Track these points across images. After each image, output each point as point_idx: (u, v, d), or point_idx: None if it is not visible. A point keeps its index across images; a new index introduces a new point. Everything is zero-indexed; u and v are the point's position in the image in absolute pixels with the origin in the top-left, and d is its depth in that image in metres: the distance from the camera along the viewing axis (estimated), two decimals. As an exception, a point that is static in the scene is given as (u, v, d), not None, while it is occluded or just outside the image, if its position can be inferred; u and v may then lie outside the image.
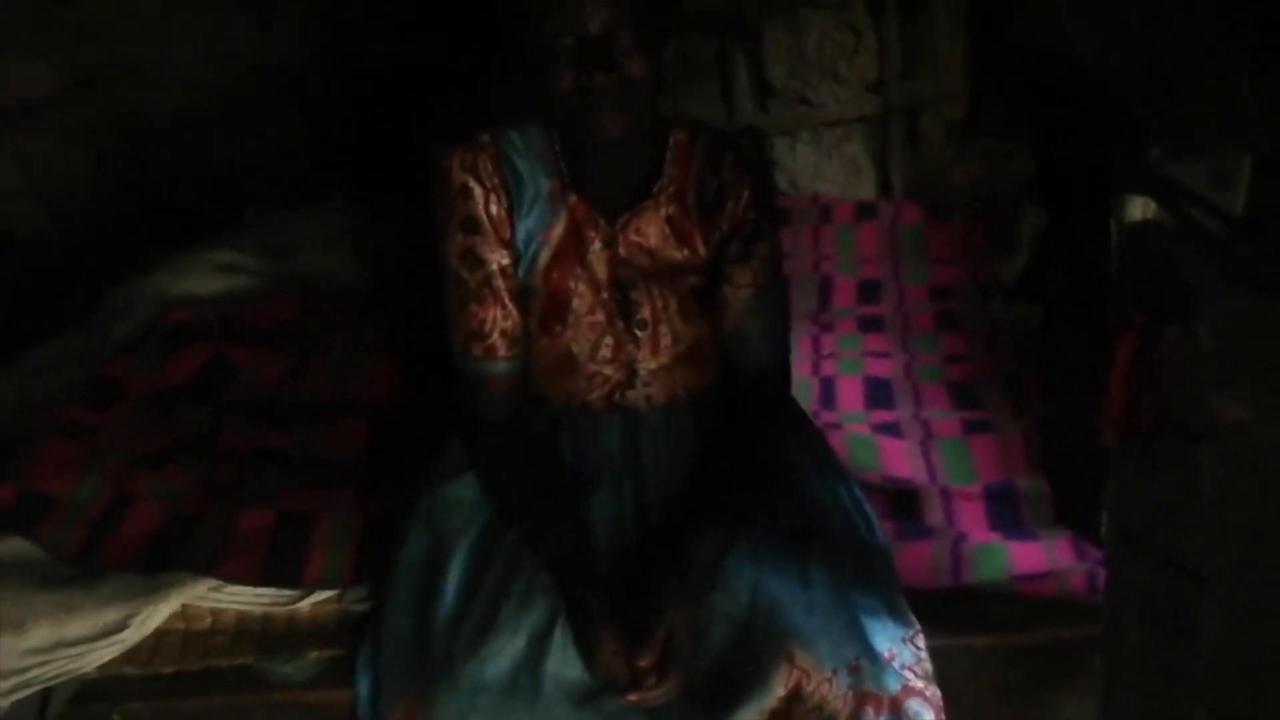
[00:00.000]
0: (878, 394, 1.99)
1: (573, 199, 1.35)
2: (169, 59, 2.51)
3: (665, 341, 1.38)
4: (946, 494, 1.70)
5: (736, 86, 2.57)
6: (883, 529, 1.45)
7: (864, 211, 2.55)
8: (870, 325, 2.22)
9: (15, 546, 1.46)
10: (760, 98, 2.59)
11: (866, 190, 2.66)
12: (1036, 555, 1.54)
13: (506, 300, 1.35)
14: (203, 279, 2.05)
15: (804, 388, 1.95)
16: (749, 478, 1.34)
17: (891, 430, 1.87)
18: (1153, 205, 0.85)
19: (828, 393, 2.01)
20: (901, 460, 1.79)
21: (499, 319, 1.34)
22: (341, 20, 2.59)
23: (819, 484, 1.41)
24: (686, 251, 1.38)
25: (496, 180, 1.33)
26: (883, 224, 2.50)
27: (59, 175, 2.37)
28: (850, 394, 2.00)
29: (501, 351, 1.35)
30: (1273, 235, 0.80)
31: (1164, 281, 0.85)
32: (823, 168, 2.65)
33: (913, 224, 2.49)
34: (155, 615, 1.37)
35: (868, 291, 2.34)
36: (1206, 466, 0.87)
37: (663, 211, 1.37)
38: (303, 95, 2.63)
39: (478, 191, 1.32)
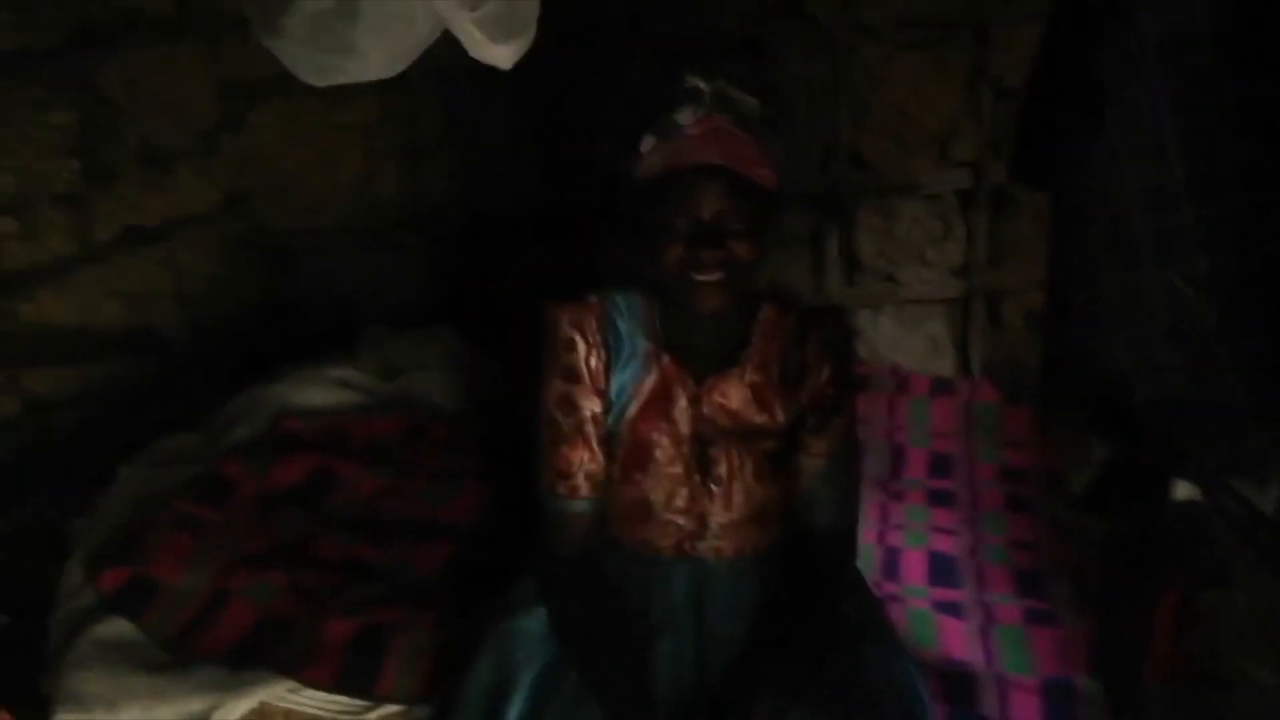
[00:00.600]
0: (941, 570, 2.00)
1: (665, 359, 1.46)
2: (321, 189, 2.74)
3: (738, 499, 1.46)
4: (1003, 683, 1.69)
5: (827, 260, 2.70)
6: (935, 712, 1.46)
7: (940, 386, 2.60)
8: (939, 499, 2.24)
9: (119, 628, 1.57)
10: (849, 272, 2.71)
11: (944, 368, 2.73)
12: (1090, 757, 1.53)
13: (594, 445, 1.45)
14: (319, 391, 2.19)
15: (868, 555, 1.98)
16: (808, 644, 1.38)
17: (952, 610, 1.87)
18: (1197, 490, 0.94)
19: (891, 563, 2.02)
20: (960, 642, 1.79)
21: (585, 460, 1.44)
22: (479, 173, 2.81)
23: (876, 657, 1.43)
24: (766, 417, 1.47)
25: (599, 337, 1.45)
26: (958, 400, 2.55)
27: (202, 283, 2.60)
28: (914, 567, 2.01)
29: (584, 491, 1.44)
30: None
31: (1203, 552, 0.92)
32: (903, 342, 2.73)
33: (987, 403, 2.54)
34: (235, 709, 1.44)
35: (939, 465, 2.37)
36: (1235, 717, 0.91)
37: (747, 378, 1.46)
38: (431, 232, 2.84)
39: (581, 346, 1.45)
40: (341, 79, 1.36)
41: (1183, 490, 0.97)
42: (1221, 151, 0.97)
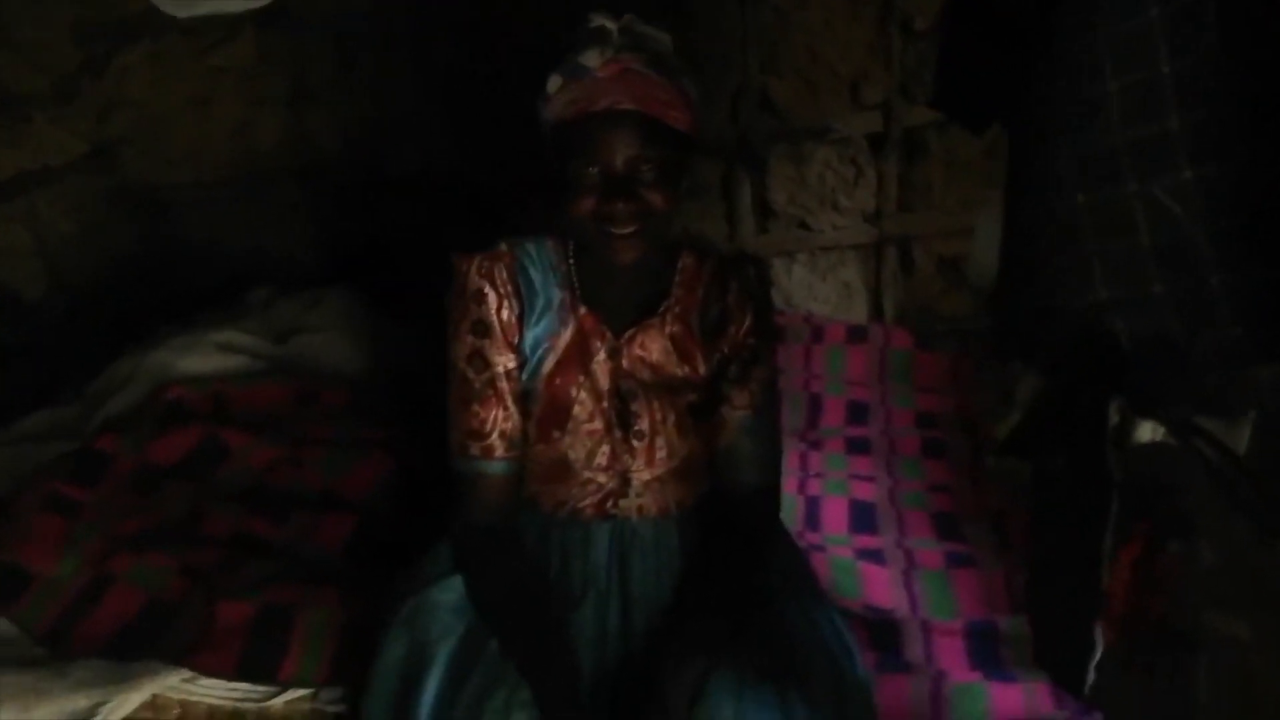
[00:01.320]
0: (862, 518, 2.00)
1: (582, 310, 1.40)
2: (196, 139, 2.56)
3: (661, 454, 1.41)
4: (927, 628, 1.70)
5: (740, 208, 2.66)
6: (864, 661, 1.45)
7: (855, 334, 2.61)
8: (857, 447, 2.25)
9: (-9, 622, 1.44)
10: (761, 219, 2.68)
11: (858, 314, 2.73)
12: (1016, 699, 1.53)
13: (509, 402, 1.37)
14: (203, 357, 2.05)
15: (789, 505, 1.95)
16: (733, 603, 1.35)
17: (875, 557, 1.88)
18: (1161, 430, 0.90)
19: (812, 513, 2.02)
20: (884, 589, 1.80)
21: (499, 419, 1.37)
22: (373, 123, 2.66)
23: (802, 613, 1.40)
24: (687, 369, 1.42)
25: (510, 287, 1.38)
26: (873, 347, 2.56)
27: (70, 241, 2.40)
28: (835, 516, 2.01)
29: (499, 452, 1.37)
30: (1272, 482, 0.84)
31: (1168, 499, 0.89)
32: (817, 289, 2.72)
33: (902, 350, 2.55)
34: (125, 705, 1.34)
35: (855, 413, 2.38)
36: (1202, 678, 0.89)
37: (667, 329, 1.41)
38: (319, 186, 2.68)
39: (491, 297, 1.37)
40: (206, 9, 1.22)
41: (1146, 432, 0.93)
42: (1217, 41, 0.90)
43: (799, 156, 2.61)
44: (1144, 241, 0.94)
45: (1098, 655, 1.19)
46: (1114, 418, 0.99)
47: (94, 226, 2.49)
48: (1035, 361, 1.17)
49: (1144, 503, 0.94)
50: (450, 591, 1.36)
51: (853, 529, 1.97)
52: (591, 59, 1.26)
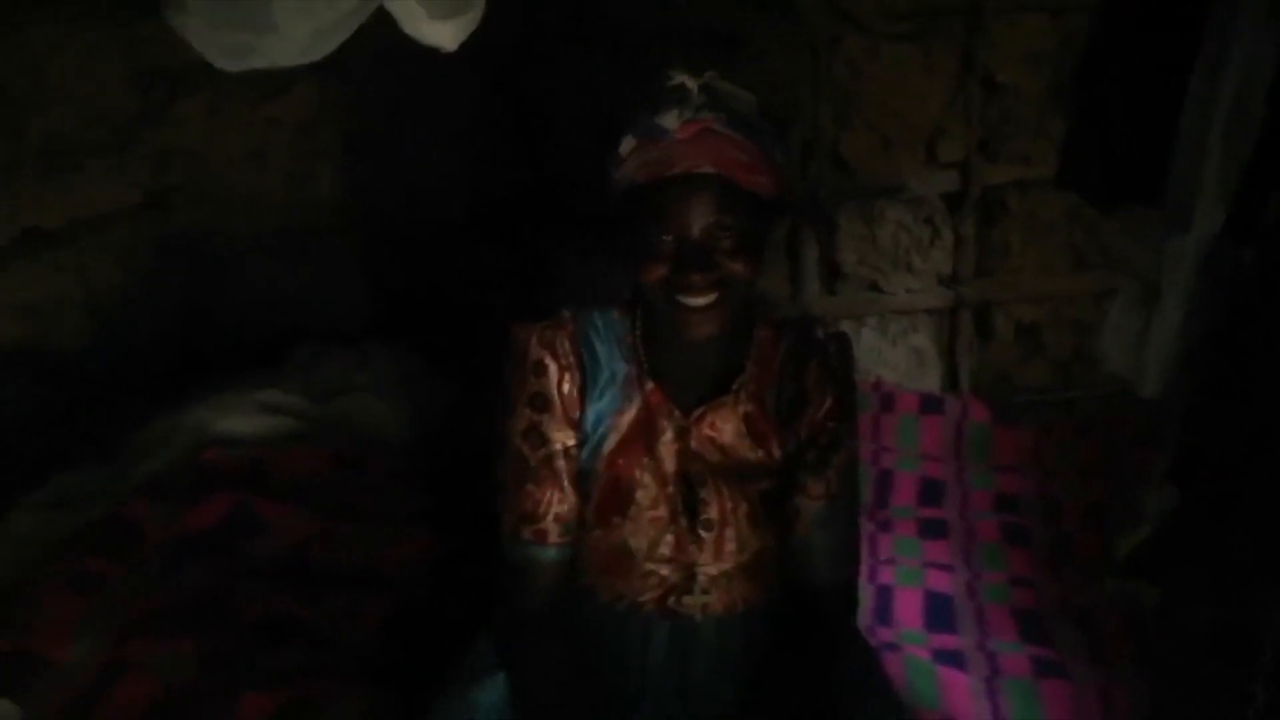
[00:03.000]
0: (939, 613, 1.85)
1: (649, 386, 1.30)
2: (250, 188, 2.52)
3: (730, 547, 1.29)
4: (1015, 746, 1.54)
5: (805, 268, 2.55)
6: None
7: (929, 405, 2.47)
8: (931, 530, 2.10)
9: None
10: (828, 280, 2.56)
11: (930, 383, 2.60)
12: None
13: (565, 483, 1.27)
14: (243, 417, 1.98)
15: (859, 596, 1.82)
16: (804, 712, 1.23)
17: (954, 660, 1.72)
18: None
19: (884, 605, 1.87)
20: (965, 699, 1.63)
21: (555, 502, 1.27)
22: (424, 176, 2.60)
23: (877, 723, 1.28)
24: (762, 453, 1.31)
25: (573, 359, 1.29)
26: (948, 420, 2.41)
27: (117, 292, 2.35)
28: (909, 610, 1.86)
29: (553, 537, 1.27)
30: None
31: None
32: (887, 355, 2.61)
33: (979, 423, 2.40)
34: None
35: (929, 491, 2.23)
36: None
37: (740, 409, 1.31)
38: (371, 236, 2.63)
39: (553, 369, 1.28)
40: (258, 62, 1.17)
41: None
42: None
43: (870, 215, 2.51)
44: None
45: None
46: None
47: (144, 277, 2.44)
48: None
49: None
50: (492, 692, 1.25)
51: (929, 625, 1.82)
52: (670, 120, 1.17)
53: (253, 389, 2.07)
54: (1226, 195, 0.99)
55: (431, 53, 1.26)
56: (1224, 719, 0.91)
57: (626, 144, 1.20)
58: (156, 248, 2.46)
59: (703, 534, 1.28)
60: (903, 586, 1.91)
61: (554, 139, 2.41)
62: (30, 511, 1.76)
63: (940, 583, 1.92)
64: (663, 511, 1.28)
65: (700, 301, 1.17)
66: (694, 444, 1.29)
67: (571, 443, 1.28)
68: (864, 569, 1.93)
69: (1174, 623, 1.17)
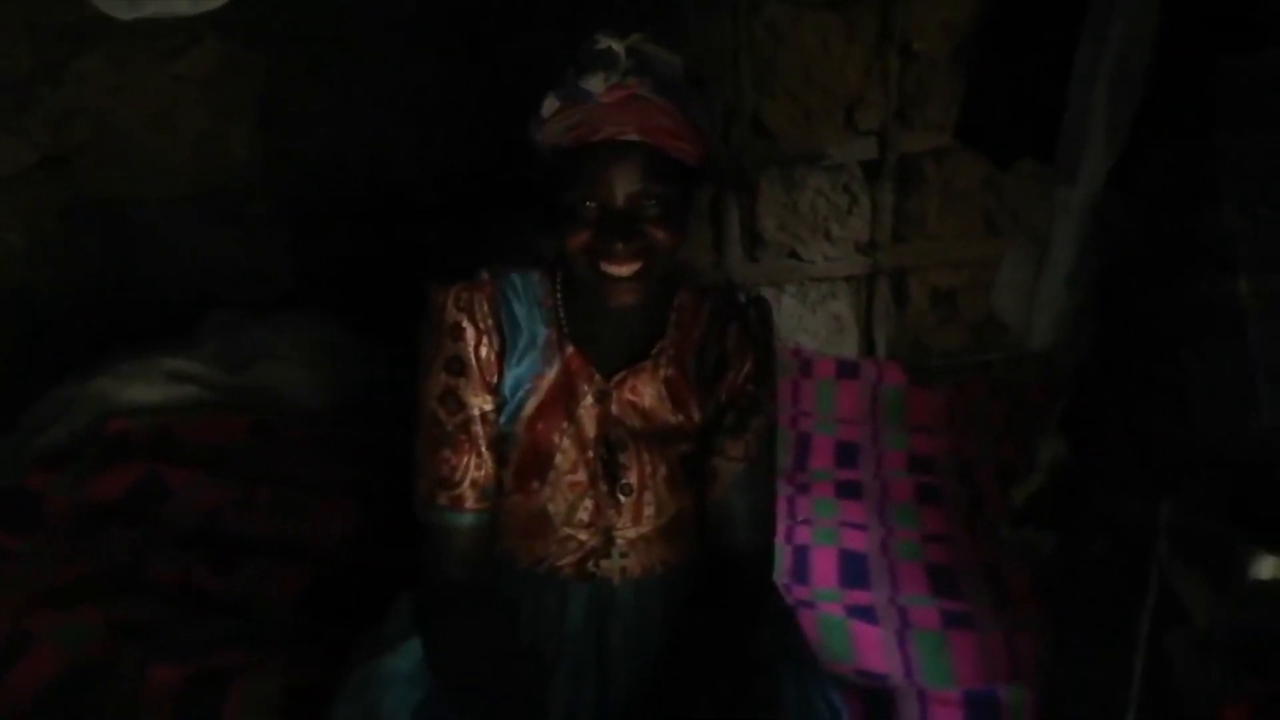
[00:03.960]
0: (853, 570, 1.89)
1: (569, 350, 1.29)
2: (157, 150, 2.42)
3: (649, 510, 1.30)
4: (924, 698, 1.59)
5: (728, 235, 2.56)
6: (855, 737, 1.34)
7: (846, 369, 2.51)
8: (847, 491, 2.14)
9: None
10: (750, 247, 2.58)
11: (848, 349, 2.64)
12: (1021, 780, 1.43)
13: (483, 448, 1.27)
14: (149, 386, 1.91)
15: (776, 556, 1.85)
16: (721, 674, 1.24)
17: (866, 615, 1.77)
18: None
19: (801, 564, 1.91)
20: (876, 651, 1.68)
21: (471, 467, 1.26)
22: (346, 137, 2.53)
23: (794, 686, 1.29)
24: (682, 417, 1.32)
25: (491, 322, 1.27)
26: (864, 384, 2.46)
27: (14, 258, 2.25)
28: (824, 568, 1.90)
29: (469, 503, 1.26)
30: None
31: None
32: (806, 322, 2.63)
33: (895, 386, 2.45)
34: (34, 781, 1.20)
35: (846, 454, 2.27)
36: None
37: (661, 373, 1.31)
38: (294, 204, 2.55)
39: (470, 332, 1.26)
40: (153, 9, 1.11)
41: (1268, 568, 0.80)
42: None
43: (791, 182, 2.52)
44: None
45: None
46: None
47: (49, 243, 2.34)
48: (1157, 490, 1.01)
49: (1257, 655, 0.80)
50: (407, 658, 1.24)
51: (843, 582, 1.86)
52: (595, 83, 1.15)
53: (159, 357, 2.00)
54: (1112, 147, 1.02)
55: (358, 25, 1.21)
56: (1116, 654, 0.95)
57: (549, 105, 1.18)
58: (58, 212, 2.37)
59: (621, 498, 1.28)
60: (819, 546, 1.95)
61: (484, 109, 2.36)
62: (-76, 485, 1.69)
63: (855, 541, 1.96)
64: (582, 476, 1.28)
65: (624, 270, 1.17)
66: (614, 408, 1.29)
67: (489, 407, 1.27)
68: (782, 529, 1.97)
69: (1069, 565, 1.22)
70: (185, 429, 1.83)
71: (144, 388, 1.90)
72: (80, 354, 2.08)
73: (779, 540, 1.91)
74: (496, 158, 2.23)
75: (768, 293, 2.58)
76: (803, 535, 1.99)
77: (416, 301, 1.30)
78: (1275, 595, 0.80)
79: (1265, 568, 0.81)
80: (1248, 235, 0.85)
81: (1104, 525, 1.05)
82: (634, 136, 1.15)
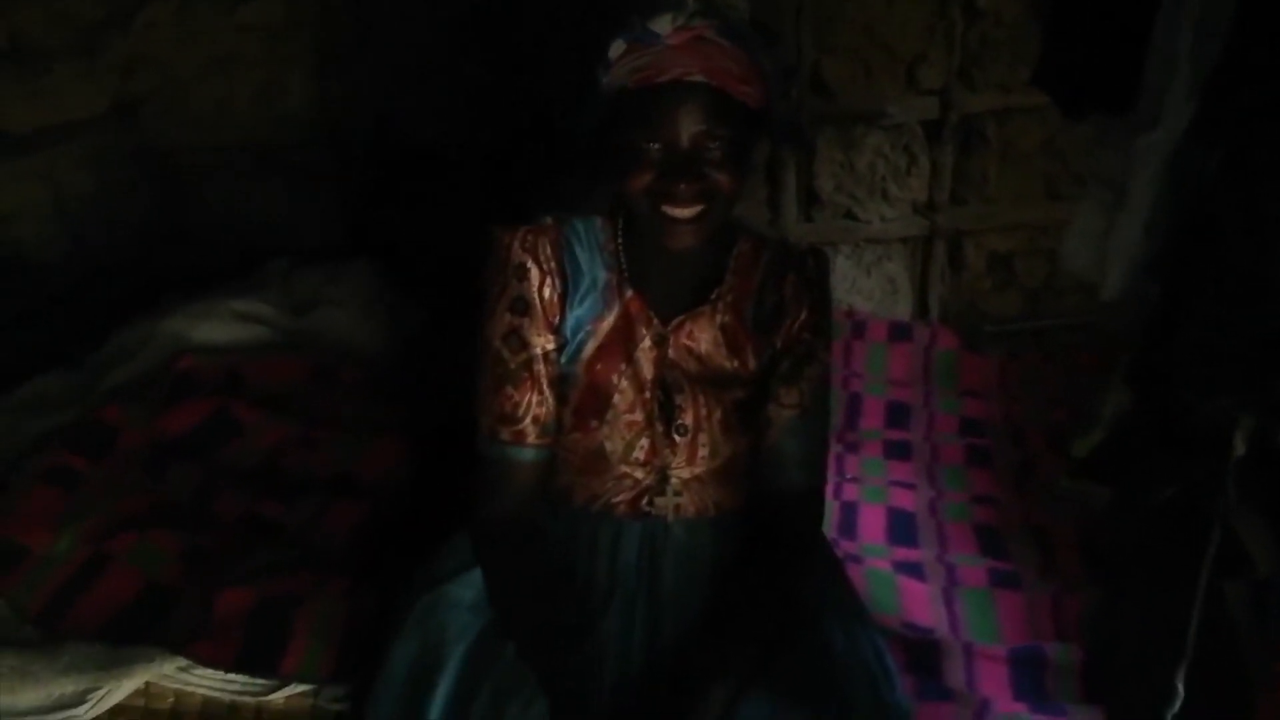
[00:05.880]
0: (901, 528, 1.90)
1: (629, 294, 1.31)
2: (220, 100, 2.46)
3: (703, 452, 1.32)
4: (970, 652, 1.59)
5: (784, 193, 2.54)
6: (903, 686, 1.34)
7: (898, 332, 2.50)
8: (897, 452, 2.14)
9: (-21, 596, 1.37)
10: (806, 207, 2.56)
11: (902, 312, 2.62)
12: (1064, 734, 1.43)
13: (545, 386, 1.29)
14: (219, 326, 1.96)
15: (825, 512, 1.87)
16: (770, 620, 1.26)
17: (914, 571, 1.77)
18: None
19: (848, 520, 1.91)
20: (923, 606, 1.69)
21: (534, 404, 1.28)
22: (399, 89, 2.55)
23: (842, 633, 1.31)
24: (737, 363, 1.33)
25: (554, 264, 1.30)
26: (917, 347, 2.45)
27: (87, 200, 2.31)
28: (872, 525, 1.90)
29: (531, 438, 1.29)
30: None
31: None
32: (860, 284, 2.61)
33: (947, 350, 2.44)
34: (116, 692, 1.26)
35: (896, 415, 2.27)
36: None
37: (718, 319, 1.33)
38: (344, 154, 2.58)
39: (534, 273, 1.29)
40: None
41: None
42: None
43: (849, 142, 2.49)
44: None
45: (1177, 705, 1.08)
46: (1239, 448, 0.86)
47: (113, 187, 2.40)
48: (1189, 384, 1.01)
49: None
50: (469, 588, 1.28)
51: (891, 540, 1.87)
52: (662, 25, 1.16)
53: (226, 299, 2.05)
54: (1195, 92, 1.01)
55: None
56: (1174, 605, 0.95)
57: (616, 48, 1.19)
58: (126, 158, 2.42)
59: (677, 438, 1.30)
60: (867, 503, 1.95)
61: (540, 62, 2.36)
62: (5, 413, 1.75)
63: (904, 500, 1.97)
64: (639, 416, 1.30)
65: (686, 213, 1.18)
66: (671, 352, 1.31)
67: (551, 347, 1.29)
68: (830, 487, 1.97)
69: (1126, 516, 1.21)
70: (251, 369, 1.88)
71: (213, 327, 1.96)
72: (138, 297, 2.14)
73: (828, 497, 1.93)
74: (539, 114, 2.26)
75: (822, 253, 2.58)
76: (851, 492, 1.99)
77: (460, 251, 1.33)
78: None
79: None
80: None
81: (1170, 474, 1.04)
82: (699, 78, 1.16)
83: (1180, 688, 1.06)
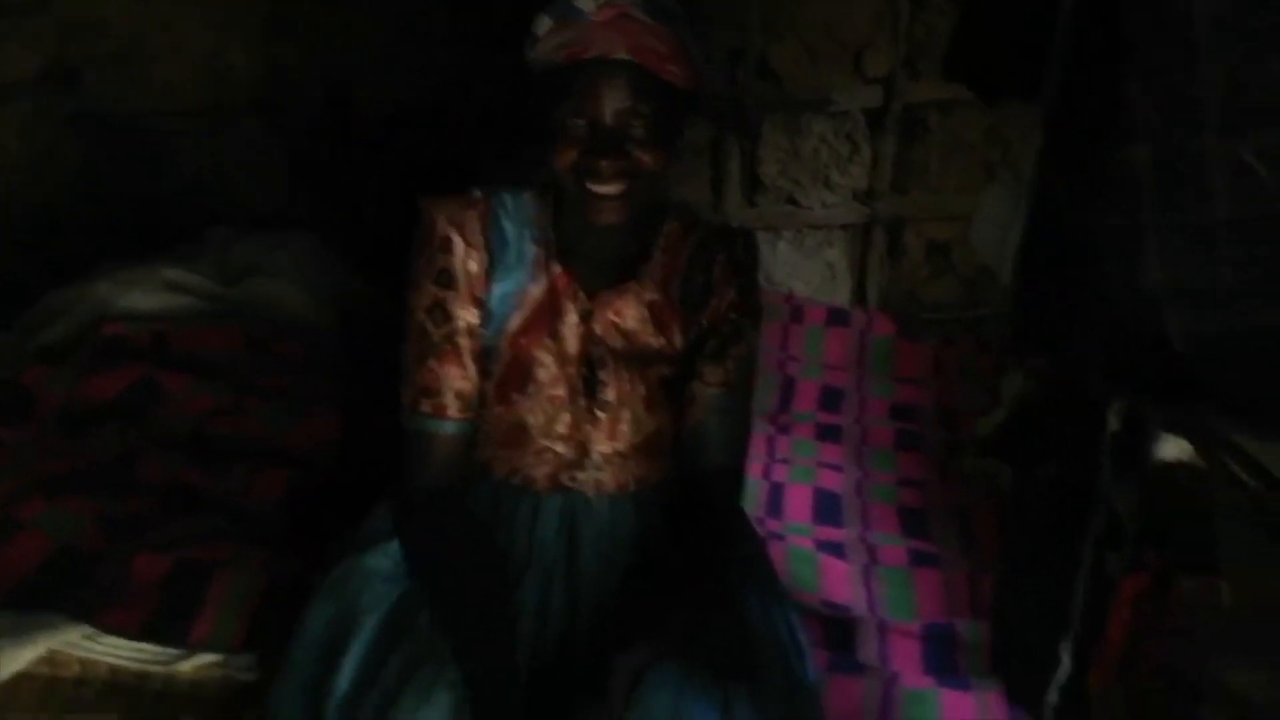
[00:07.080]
0: (826, 508, 1.94)
1: (555, 268, 1.32)
2: (161, 63, 2.42)
3: (625, 427, 1.33)
4: (884, 628, 1.65)
5: (727, 177, 2.56)
6: (815, 662, 1.38)
7: (836, 317, 2.53)
8: (827, 434, 2.18)
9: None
10: (749, 191, 2.58)
11: (840, 297, 2.65)
12: (968, 707, 1.48)
13: (467, 360, 1.29)
14: (147, 294, 1.93)
15: (752, 490, 1.90)
16: (686, 593, 1.26)
17: (835, 550, 1.82)
18: (1189, 448, 0.80)
19: (775, 500, 1.95)
20: (842, 584, 1.73)
21: (455, 377, 1.29)
22: (342, 56, 2.52)
23: (757, 608, 1.33)
24: (663, 340, 1.34)
25: (480, 239, 1.29)
26: (853, 332, 2.49)
27: (16, 163, 2.26)
28: (798, 504, 1.94)
29: (452, 411, 1.29)
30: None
31: (1188, 528, 0.79)
32: (800, 269, 2.64)
33: (883, 337, 2.48)
34: (15, 659, 1.24)
35: (829, 398, 2.31)
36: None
37: (645, 296, 1.33)
38: (289, 120, 2.55)
39: (459, 246, 1.28)
40: None
41: (1170, 449, 0.84)
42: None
43: (794, 128, 2.51)
44: (1219, 213, 0.81)
45: (1061, 674, 1.12)
46: (1113, 424, 0.90)
47: (47, 151, 2.35)
48: (1060, 362, 1.05)
49: (1158, 530, 0.84)
50: (385, 557, 1.28)
51: (816, 519, 1.91)
52: (587, 2, 1.18)
53: (159, 266, 2.02)
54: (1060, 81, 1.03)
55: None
56: (1060, 576, 0.98)
57: (542, 24, 1.20)
58: (60, 121, 2.37)
59: (599, 414, 1.31)
60: (794, 483, 1.99)
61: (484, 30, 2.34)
62: (-78, 374, 1.72)
63: (831, 481, 2.01)
64: (561, 390, 1.31)
65: (609, 189, 1.19)
66: (597, 327, 1.31)
67: (475, 320, 1.29)
68: (759, 467, 2.01)
69: (1022, 493, 1.25)
70: (180, 336, 1.85)
71: (142, 295, 1.92)
72: (80, 261, 2.10)
73: (756, 477, 1.97)
74: (493, 82, 2.24)
75: (764, 238, 2.60)
76: (780, 473, 2.03)
77: (407, 222, 1.33)
78: (1174, 475, 0.84)
79: (1167, 449, 0.84)
80: (1145, 104, 0.86)
81: (1055, 446, 1.08)
82: (624, 55, 1.16)
83: (1066, 658, 1.10)
